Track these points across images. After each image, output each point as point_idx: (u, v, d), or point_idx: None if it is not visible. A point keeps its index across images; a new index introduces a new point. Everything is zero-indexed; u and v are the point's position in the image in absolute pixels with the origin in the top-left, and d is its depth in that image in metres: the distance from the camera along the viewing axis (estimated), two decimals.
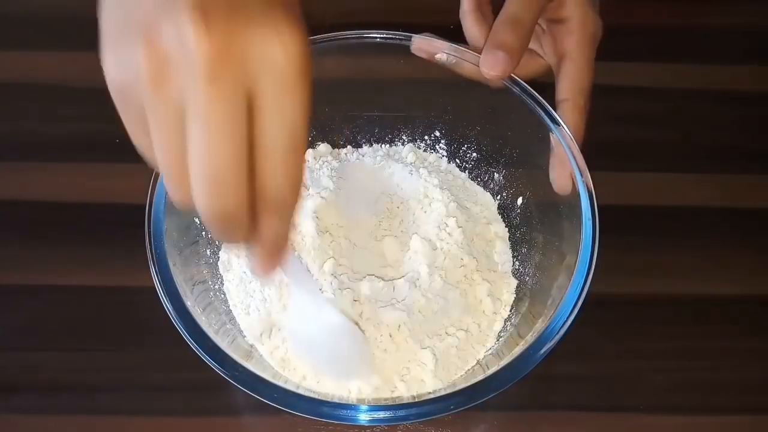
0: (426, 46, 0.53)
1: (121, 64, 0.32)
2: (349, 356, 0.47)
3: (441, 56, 0.52)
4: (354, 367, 0.47)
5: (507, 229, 0.56)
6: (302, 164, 0.33)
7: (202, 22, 0.29)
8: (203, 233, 0.52)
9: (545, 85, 0.53)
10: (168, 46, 0.30)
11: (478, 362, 0.50)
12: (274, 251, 0.35)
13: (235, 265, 0.52)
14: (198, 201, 0.32)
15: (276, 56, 0.30)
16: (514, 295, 0.53)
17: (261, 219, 0.33)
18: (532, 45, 0.53)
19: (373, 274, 0.51)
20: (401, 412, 0.42)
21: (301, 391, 0.44)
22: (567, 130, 0.50)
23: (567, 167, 0.49)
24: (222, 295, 0.52)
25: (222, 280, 0.52)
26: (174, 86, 0.30)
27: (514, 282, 0.53)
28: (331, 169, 0.55)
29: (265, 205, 0.33)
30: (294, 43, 0.31)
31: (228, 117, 0.30)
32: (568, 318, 0.44)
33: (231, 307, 0.51)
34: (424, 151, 0.59)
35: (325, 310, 0.45)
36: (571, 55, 0.52)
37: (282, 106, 0.31)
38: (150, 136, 0.32)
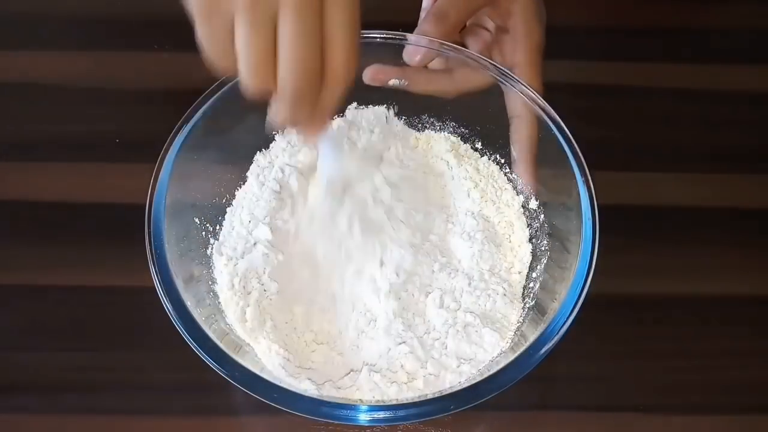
0: (376, 74, 0.55)
1: None
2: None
3: (393, 81, 0.55)
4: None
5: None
6: (358, 43, 0.39)
7: None
8: (203, 233, 0.52)
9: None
10: None
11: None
12: (325, 118, 0.41)
13: (231, 266, 0.52)
14: (286, 81, 0.38)
15: None
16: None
17: (325, 89, 0.39)
18: (482, 53, 0.55)
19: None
20: (401, 413, 0.42)
21: (301, 392, 0.44)
22: (566, 129, 0.50)
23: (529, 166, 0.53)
24: (221, 295, 0.51)
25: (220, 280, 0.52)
26: None
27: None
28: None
29: (333, 76, 0.39)
30: None
31: (314, 6, 0.37)
32: (568, 318, 0.44)
33: (224, 307, 0.51)
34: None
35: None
36: (520, 68, 0.54)
37: (347, 9, 0.37)
38: (230, 40, 0.37)
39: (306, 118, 0.40)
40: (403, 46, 0.54)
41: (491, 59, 0.55)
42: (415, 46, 0.53)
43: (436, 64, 0.55)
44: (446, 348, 0.49)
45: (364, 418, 0.42)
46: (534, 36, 0.53)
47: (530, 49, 0.53)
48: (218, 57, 0.38)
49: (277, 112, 0.40)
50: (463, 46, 0.56)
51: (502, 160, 0.57)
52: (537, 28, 0.54)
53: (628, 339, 0.56)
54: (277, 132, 0.56)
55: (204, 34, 0.38)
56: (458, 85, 0.55)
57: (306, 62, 0.37)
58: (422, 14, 0.57)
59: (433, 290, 0.51)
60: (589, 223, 0.47)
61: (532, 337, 0.45)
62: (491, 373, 0.44)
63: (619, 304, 0.57)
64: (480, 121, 0.57)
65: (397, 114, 0.58)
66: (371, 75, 0.55)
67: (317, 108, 0.40)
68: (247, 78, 0.38)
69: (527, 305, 0.51)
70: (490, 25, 0.56)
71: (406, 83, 0.55)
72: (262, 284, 0.51)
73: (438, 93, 0.56)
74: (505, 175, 0.57)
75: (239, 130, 0.54)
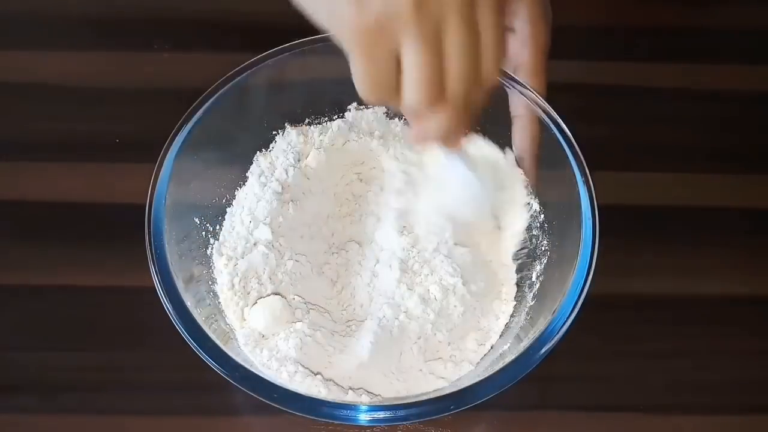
0: None
1: (369, 4, 0.36)
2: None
3: None
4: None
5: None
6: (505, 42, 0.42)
7: None
8: (203, 233, 0.52)
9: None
10: None
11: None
12: (470, 120, 0.42)
13: (231, 266, 0.52)
14: (458, 92, 0.39)
15: None
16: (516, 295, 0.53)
17: (473, 96, 0.40)
18: None
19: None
20: (401, 413, 0.42)
21: (301, 392, 0.44)
22: (566, 129, 0.50)
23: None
24: (221, 296, 0.51)
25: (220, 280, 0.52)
26: (432, 8, 0.37)
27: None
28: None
29: (485, 77, 0.40)
30: None
31: (474, 14, 0.38)
32: (568, 318, 0.44)
33: (224, 307, 0.51)
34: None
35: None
36: (524, 68, 0.53)
37: (494, 11, 0.39)
38: (395, 68, 0.38)
39: (464, 126, 0.42)
40: None
41: None
42: None
43: None
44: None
45: (364, 418, 0.42)
46: (540, 37, 0.53)
47: (536, 49, 0.53)
48: (382, 88, 0.39)
49: (438, 126, 0.41)
50: None
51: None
52: (543, 29, 0.53)
53: (628, 339, 0.56)
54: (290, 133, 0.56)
55: (364, 68, 0.38)
56: None
57: (473, 71, 0.39)
58: None
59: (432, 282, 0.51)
60: (589, 223, 0.47)
61: (531, 337, 0.45)
62: (491, 373, 0.44)
63: (619, 304, 0.57)
64: (481, 121, 0.57)
65: (398, 115, 0.58)
66: None
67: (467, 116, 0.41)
68: (419, 98, 0.39)
69: (527, 305, 0.51)
70: None
71: None
72: (262, 284, 0.51)
73: None
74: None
75: (239, 130, 0.54)
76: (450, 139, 0.43)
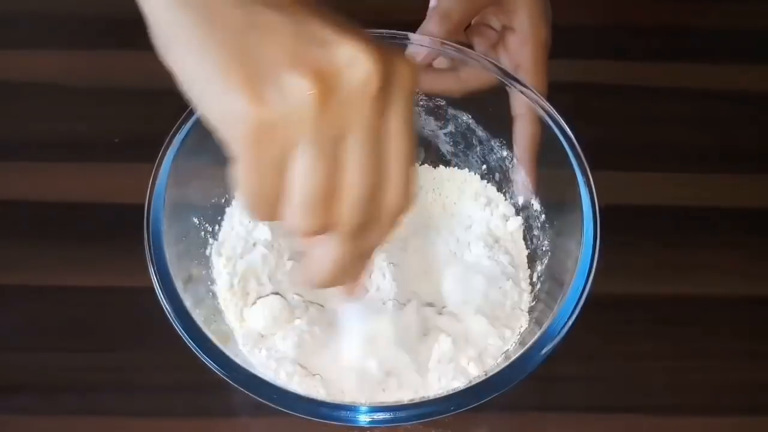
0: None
1: (268, 100, 0.30)
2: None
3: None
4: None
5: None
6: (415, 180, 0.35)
7: (371, 49, 0.31)
8: (202, 233, 0.52)
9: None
10: (335, 71, 0.30)
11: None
12: (368, 261, 0.37)
13: (230, 266, 0.52)
14: (350, 217, 0.33)
15: (408, 73, 0.32)
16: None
17: (372, 229, 0.34)
18: (487, 53, 0.55)
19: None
20: (401, 414, 0.42)
21: (301, 392, 0.44)
22: (567, 129, 0.50)
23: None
24: (220, 296, 0.51)
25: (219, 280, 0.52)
26: (337, 113, 0.31)
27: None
28: None
29: (385, 212, 0.34)
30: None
31: (379, 136, 0.32)
32: (568, 319, 0.44)
33: (223, 307, 0.51)
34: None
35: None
36: (525, 67, 0.53)
37: (408, 121, 0.33)
38: (279, 177, 0.32)
39: (359, 260, 0.36)
40: (407, 46, 0.54)
41: (497, 58, 0.55)
42: (417, 46, 0.53)
43: (441, 63, 0.55)
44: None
45: (363, 419, 0.42)
46: (540, 35, 0.53)
47: (536, 48, 0.53)
48: (270, 199, 0.32)
49: (331, 254, 0.35)
50: (470, 44, 0.56)
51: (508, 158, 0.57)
52: (543, 27, 0.53)
53: (628, 339, 0.56)
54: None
55: (251, 173, 0.32)
56: (464, 84, 0.54)
57: (372, 198, 0.33)
58: (429, 13, 0.57)
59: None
60: (590, 223, 0.47)
61: (532, 338, 0.45)
62: (492, 373, 0.44)
63: (619, 304, 0.56)
64: (484, 120, 0.57)
65: None
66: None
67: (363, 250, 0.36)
68: (303, 217, 0.33)
69: (528, 305, 0.51)
70: (496, 23, 0.56)
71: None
72: (261, 284, 0.51)
73: (444, 92, 0.56)
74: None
75: None
76: (343, 278, 0.37)
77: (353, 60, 0.30)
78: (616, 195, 0.57)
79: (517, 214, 0.55)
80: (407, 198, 0.34)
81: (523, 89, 0.52)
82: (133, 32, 0.69)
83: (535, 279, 0.52)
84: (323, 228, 0.33)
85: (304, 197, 0.32)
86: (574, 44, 0.64)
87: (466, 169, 0.58)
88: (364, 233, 0.34)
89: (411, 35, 0.54)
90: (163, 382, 0.53)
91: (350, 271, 0.37)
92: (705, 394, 0.54)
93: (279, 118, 0.30)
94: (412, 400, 0.46)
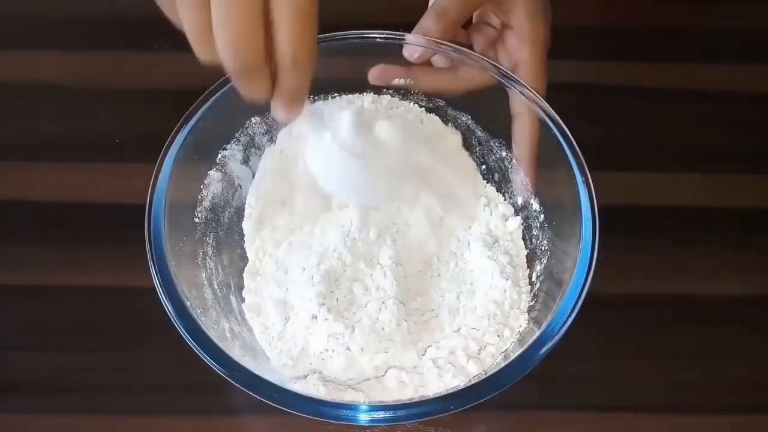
0: (381, 74, 0.55)
1: None
2: (368, 179, 0.51)
3: (399, 80, 0.55)
4: (372, 189, 0.51)
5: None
6: (314, 25, 0.38)
7: None
8: (202, 234, 0.52)
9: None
10: None
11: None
12: (293, 103, 0.41)
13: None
14: (224, 58, 0.37)
15: None
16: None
17: (279, 75, 0.38)
18: (487, 51, 0.55)
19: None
20: (401, 413, 0.42)
21: (300, 391, 0.44)
22: (566, 129, 0.50)
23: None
24: (221, 295, 0.52)
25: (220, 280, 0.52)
26: None
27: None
28: None
29: (283, 63, 0.38)
30: None
31: None
32: (568, 318, 0.44)
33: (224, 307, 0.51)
34: None
35: (345, 145, 0.48)
36: (524, 66, 0.53)
37: None
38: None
39: (262, 93, 0.40)
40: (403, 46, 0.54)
41: (496, 56, 0.55)
42: (413, 44, 0.53)
43: (440, 62, 0.55)
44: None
45: (364, 418, 0.42)
46: (538, 33, 0.53)
47: (534, 46, 0.53)
48: (190, 23, 0.37)
49: (269, 87, 0.40)
50: (470, 42, 0.56)
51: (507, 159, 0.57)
52: (541, 26, 0.53)
53: (628, 339, 0.56)
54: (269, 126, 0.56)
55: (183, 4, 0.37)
56: (463, 83, 0.54)
57: (242, 40, 0.36)
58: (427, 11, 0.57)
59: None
60: (589, 223, 0.47)
61: (531, 338, 0.45)
62: (491, 373, 0.44)
63: (619, 304, 0.56)
64: (483, 120, 0.57)
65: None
66: (377, 75, 0.55)
67: (278, 93, 0.40)
68: (235, 47, 0.37)
69: (527, 305, 0.51)
70: (496, 21, 0.56)
71: (411, 82, 0.55)
72: (267, 284, 0.51)
73: (443, 91, 0.56)
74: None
75: (239, 129, 0.54)
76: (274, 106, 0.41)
77: None
78: (615, 195, 0.57)
79: (517, 214, 0.55)
80: (304, 45, 0.37)
81: (522, 89, 0.52)
82: (134, 33, 0.70)
83: (534, 279, 0.52)
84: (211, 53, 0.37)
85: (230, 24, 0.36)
86: (574, 44, 0.65)
87: None
88: (259, 71, 0.37)
89: (407, 35, 0.54)
90: (163, 382, 0.53)
91: (285, 105, 0.41)
92: (705, 394, 0.54)
93: None
94: (411, 399, 0.46)
